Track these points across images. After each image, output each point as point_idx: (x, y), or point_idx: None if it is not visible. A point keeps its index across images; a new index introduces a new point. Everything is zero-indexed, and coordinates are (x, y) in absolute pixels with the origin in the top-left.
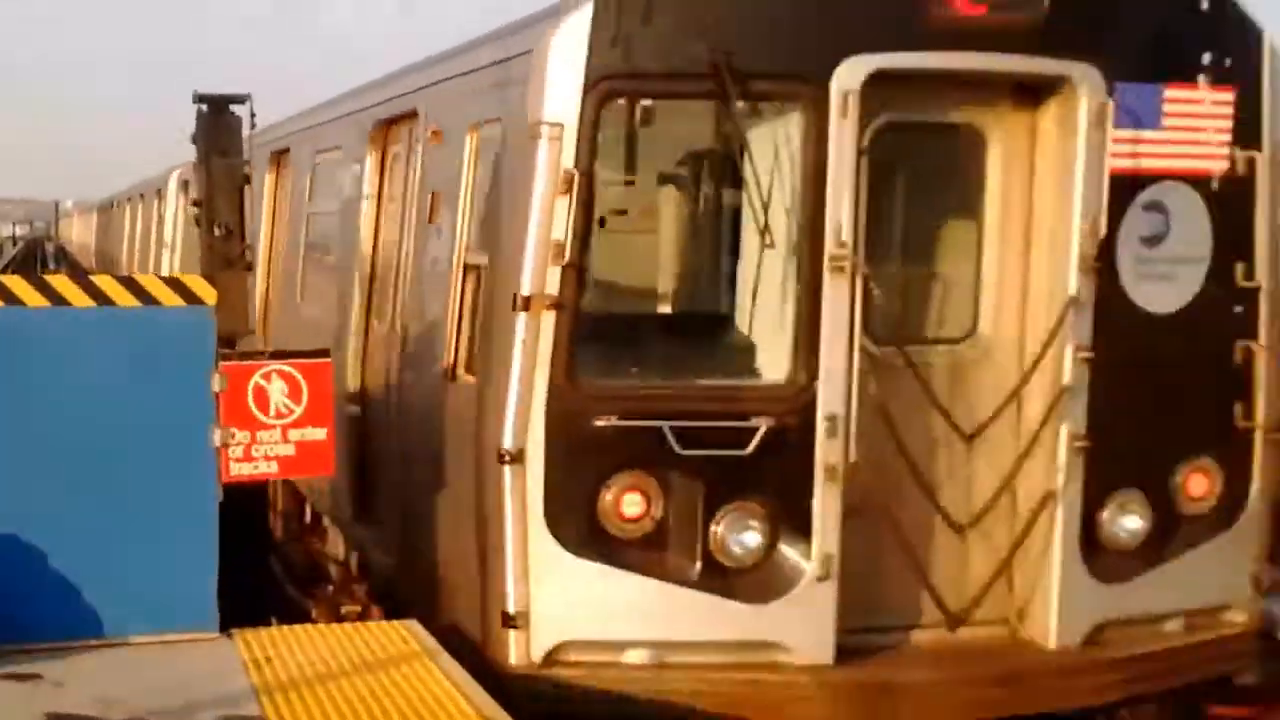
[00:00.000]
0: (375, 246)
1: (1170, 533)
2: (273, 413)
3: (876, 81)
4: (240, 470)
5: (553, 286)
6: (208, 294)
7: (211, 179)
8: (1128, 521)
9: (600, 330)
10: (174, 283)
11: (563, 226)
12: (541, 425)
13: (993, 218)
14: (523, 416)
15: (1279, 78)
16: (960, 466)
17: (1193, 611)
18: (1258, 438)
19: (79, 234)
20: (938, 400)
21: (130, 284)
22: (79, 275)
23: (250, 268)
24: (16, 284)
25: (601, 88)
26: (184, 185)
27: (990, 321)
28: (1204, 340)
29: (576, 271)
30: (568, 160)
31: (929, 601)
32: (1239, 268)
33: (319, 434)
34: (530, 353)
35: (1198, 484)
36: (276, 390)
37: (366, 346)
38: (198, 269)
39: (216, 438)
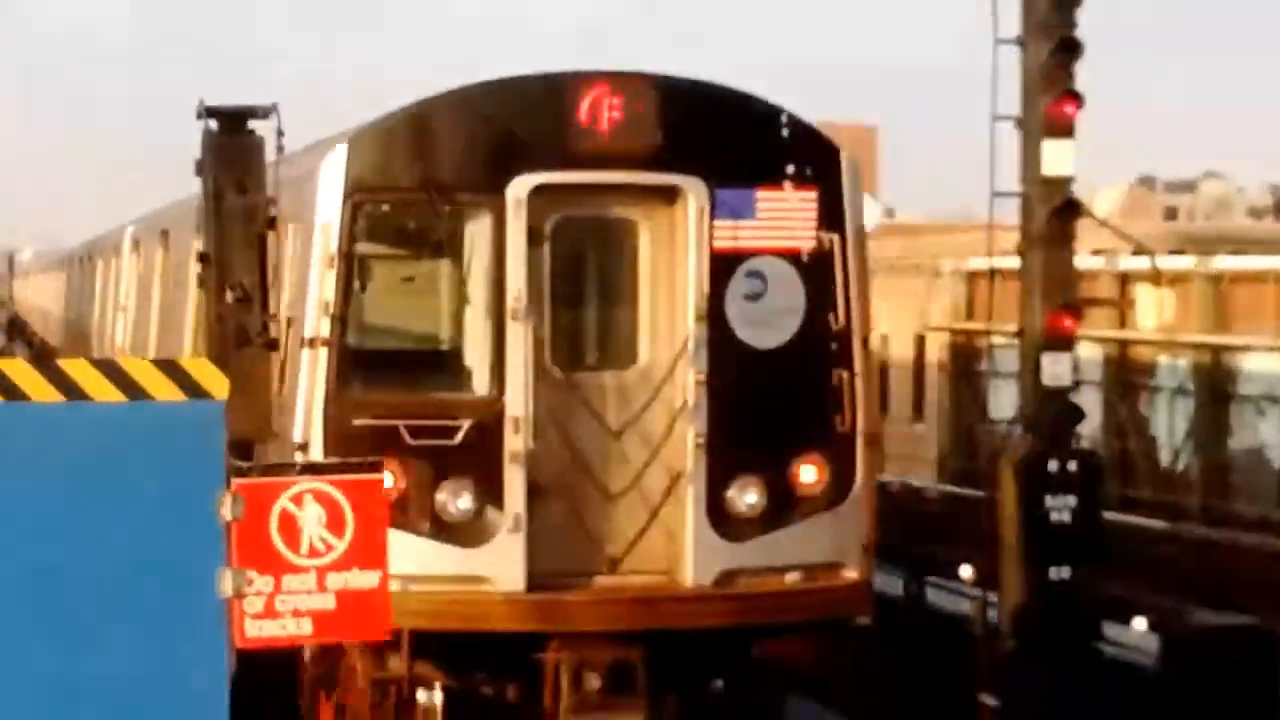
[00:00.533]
0: None
1: (786, 508)
2: (305, 550)
3: (547, 190)
4: (260, 631)
5: (325, 331)
6: (216, 383)
7: (222, 224)
8: (747, 498)
9: (358, 360)
10: (170, 368)
11: (331, 290)
12: (320, 424)
13: (644, 281)
14: (307, 418)
15: (855, 181)
16: (615, 456)
17: (811, 566)
18: (858, 441)
19: (40, 296)
20: (594, 408)
21: (110, 370)
22: (40, 358)
23: (274, 345)
24: None
25: (355, 198)
26: (136, 245)
27: (646, 354)
28: (806, 368)
29: (340, 321)
30: (332, 246)
31: (595, 551)
32: (830, 316)
33: (369, 580)
34: (311, 375)
35: (808, 473)
36: (311, 518)
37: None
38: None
39: (227, 585)
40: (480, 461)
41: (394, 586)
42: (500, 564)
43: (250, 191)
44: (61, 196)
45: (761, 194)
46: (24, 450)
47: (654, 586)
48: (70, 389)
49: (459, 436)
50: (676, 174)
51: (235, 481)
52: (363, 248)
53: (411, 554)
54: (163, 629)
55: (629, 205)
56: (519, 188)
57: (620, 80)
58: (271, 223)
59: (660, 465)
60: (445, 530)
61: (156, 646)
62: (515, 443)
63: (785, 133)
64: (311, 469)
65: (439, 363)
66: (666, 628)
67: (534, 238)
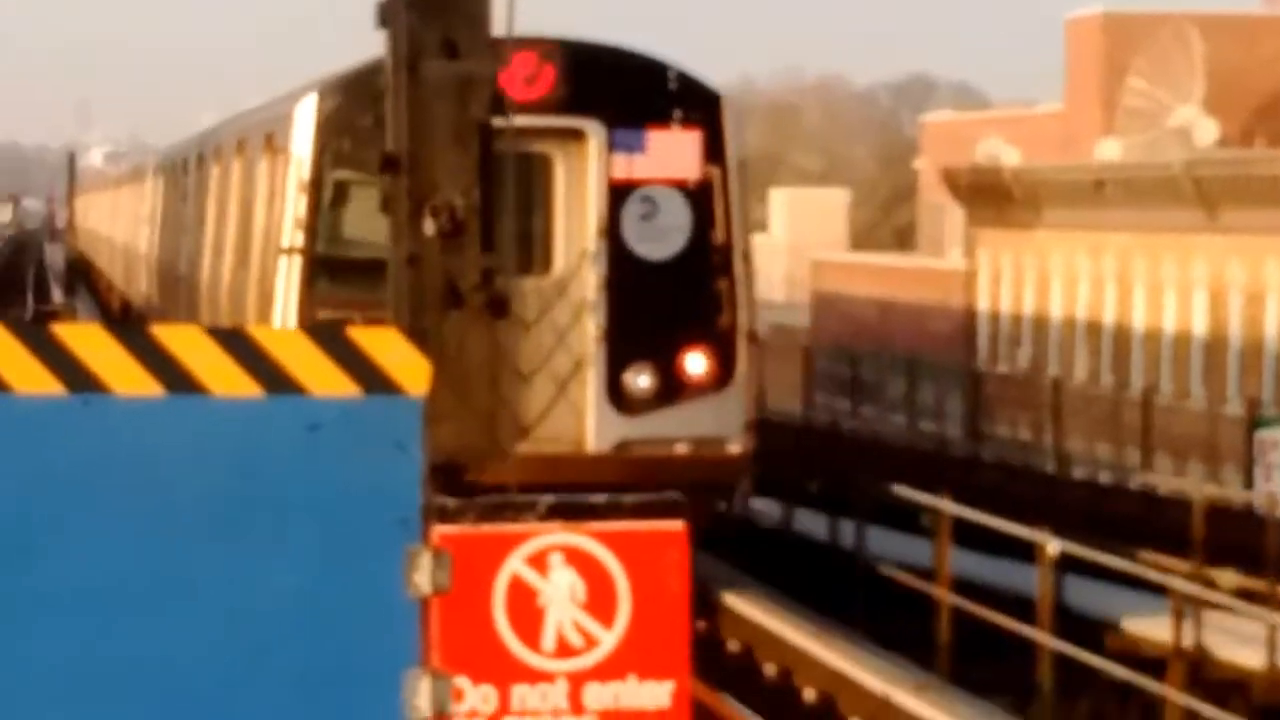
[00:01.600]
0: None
1: (675, 390)
2: (551, 644)
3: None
4: None
5: (298, 241)
6: (410, 368)
7: (418, 108)
8: (640, 381)
9: (323, 265)
10: (334, 341)
11: (303, 210)
12: (295, 313)
13: (559, 204)
14: (285, 309)
15: (737, 123)
16: (530, 344)
17: (697, 440)
18: (738, 337)
19: (113, 223)
20: (514, 306)
21: (236, 345)
22: (117, 322)
23: (500, 308)
24: None
25: (323, 137)
26: (162, 171)
27: (560, 263)
28: (692, 275)
29: (309, 233)
30: (305, 175)
31: (512, 421)
32: (712, 234)
33: (656, 697)
34: (287, 276)
35: (694, 361)
36: (561, 592)
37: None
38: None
39: (423, 700)
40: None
41: None
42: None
43: (465, 55)
44: (151, 72)
45: (652, 134)
46: (95, 480)
47: (560, 452)
48: (173, 375)
49: None
50: (580, 118)
51: (439, 530)
52: (330, 175)
53: None
54: None
55: (545, 143)
56: None
57: (536, 43)
58: (497, 103)
59: (566, 352)
60: None
61: None
62: None
63: (673, 84)
64: (563, 510)
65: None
66: (570, 483)
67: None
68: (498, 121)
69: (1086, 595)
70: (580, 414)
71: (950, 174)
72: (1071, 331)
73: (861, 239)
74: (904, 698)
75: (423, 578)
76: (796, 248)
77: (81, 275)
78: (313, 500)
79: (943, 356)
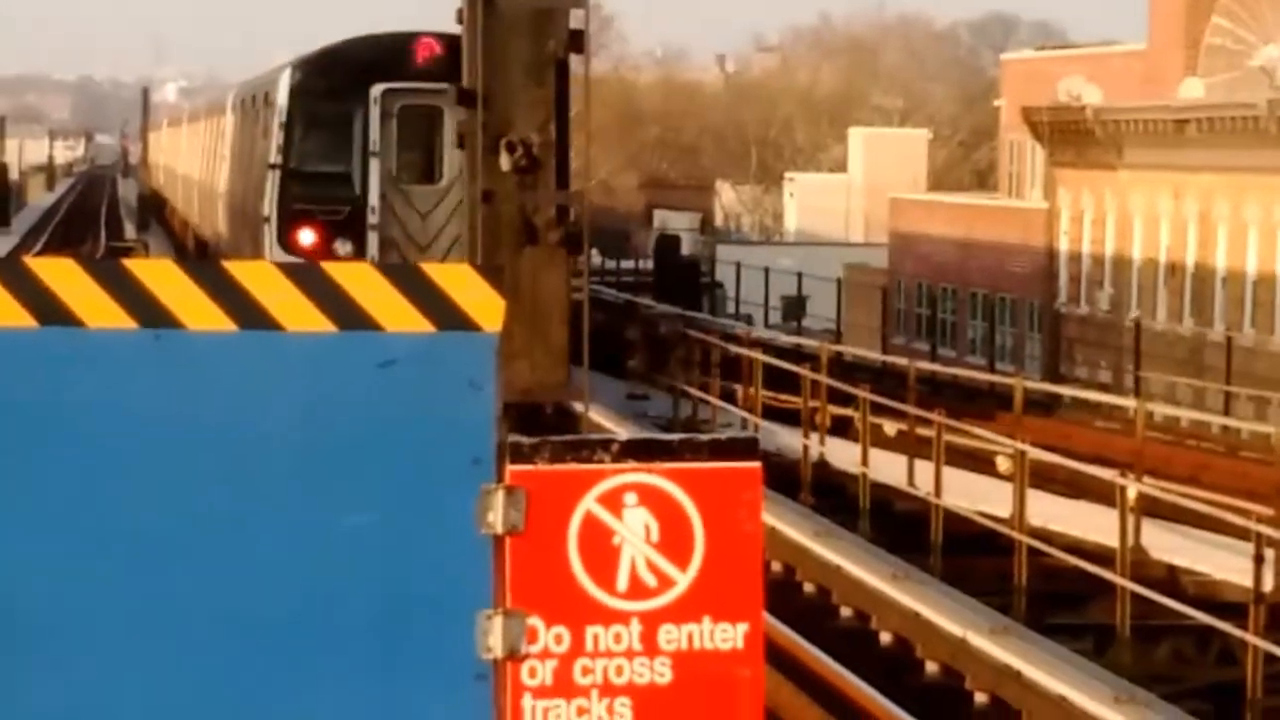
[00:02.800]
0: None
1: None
2: (625, 584)
3: (390, 92)
4: (547, 719)
5: (278, 160)
6: (484, 305)
7: (494, 42)
8: (305, 236)
9: (292, 175)
10: (408, 278)
11: (281, 141)
12: (275, 209)
13: (445, 136)
14: (271, 203)
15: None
16: (427, 226)
17: None
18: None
19: (186, 159)
20: (415, 203)
21: (308, 280)
22: (190, 258)
23: (575, 244)
24: (59, 272)
25: (295, 95)
26: (241, 106)
27: (445, 174)
28: (251, 189)
29: (285, 157)
30: (283, 119)
31: None
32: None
33: (729, 638)
34: (273, 187)
35: (304, 236)
36: (636, 531)
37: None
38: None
39: (496, 639)
40: (356, 228)
41: None
42: None
43: None
44: (226, 7)
45: None
46: (166, 415)
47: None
48: (246, 310)
49: (344, 215)
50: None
51: (512, 469)
52: (297, 120)
53: None
54: (388, 706)
55: (433, 98)
56: (376, 90)
57: (428, 34)
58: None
59: (450, 230)
60: (335, 259)
61: None
62: (372, 219)
63: None
64: (637, 449)
65: (340, 181)
66: None
67: (385, 116)
68: (404, 86)
69: (1166, 540)
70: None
71: (1031, 113)
72: (1153, 273)
73: (941, 179)
74: (981, 641)
75: (496, 517)
76: (875, 188)
77: (154, 211)
78: (385, 438)
79: (1022, 297)
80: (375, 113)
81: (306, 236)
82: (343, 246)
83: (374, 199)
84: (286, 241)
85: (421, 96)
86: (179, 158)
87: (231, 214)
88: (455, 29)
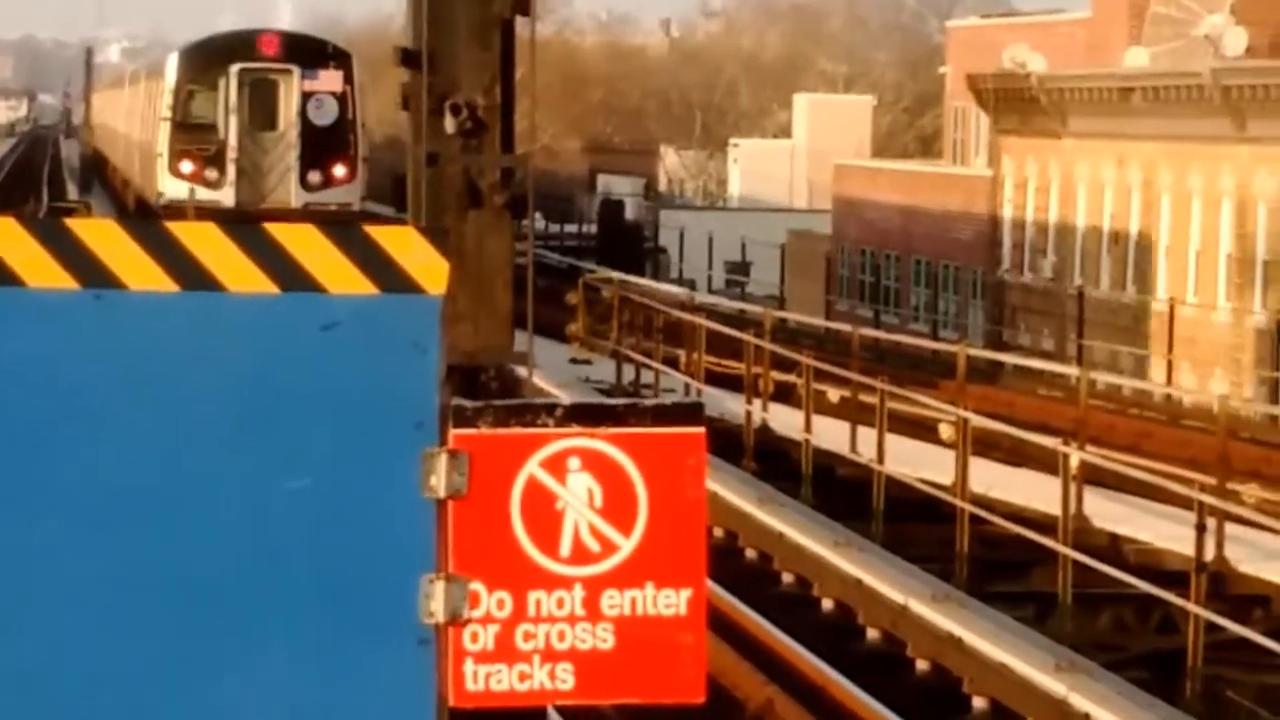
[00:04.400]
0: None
1: (329, 181)
2: (568, 549)
3: (244, 70)
4: (489, 683)
5: (167, 115)
6: (429, 268)
7: (444, 8)
8: (313, 177)
9: (178, 126)
10: (351, 239)
11: (170, 101)
12: (167, 147)
13: (282, 101)
14: (162, 146)
15: (355, 67)
16: (269, 157)
17: (340, 204)
18: (358, 159)
19: (128, 120)
20: (261, 142)
21: (252, 240)
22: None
23: (519, 209)
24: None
25: (180, 72)
26: (145, 77)
27: (281, 123)
28: (337, 132)
29: (172, 112)
30: (170, 87)
31: (260, 191)
32: (347, 114)
33: (672, 603)
34: (165, 133)
35: (338, 169)
36: (578, 496)
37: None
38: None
39: (438, 604)
40: (220, 161)
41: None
42: (229, 195)
43: None
44: None
45: (320, 71)
46: (107, 375)
47: (278, 205)
48: (188, 270)
49: (213, 150)
50: (291, 64)
51: (455, 432)
52: (181, 89)
53: (184, 191)
54: (329, 671)
55: (277, 75)
56: (235, 70)
57: (269, 31)
58: (522, 1)
59: (283, 163)
60: (207, 184)
61: (317, 697)
62: (231, 155)
63: (329, 49)
64: (581, 413)
65: (210, 130)
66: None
67: (240, 87)
68: (252, 66)
69: (1107, 509)
70: (289, 189)
71: (975, 80)
72: (1096, 241)
73: (885, 145)
74: (922, 608)
75: (439, 481)
76: (819, 153)
77: (97, 171)
78: (327, 400)
79: (966, 264)
80: (234, 83)
81: (186, 166)
82: (210, 173)
83: (233, 140)
84: (173, 170)
85: (264, 73)
86: (120, 118)
87: (140, 155)
88: (291, 27)
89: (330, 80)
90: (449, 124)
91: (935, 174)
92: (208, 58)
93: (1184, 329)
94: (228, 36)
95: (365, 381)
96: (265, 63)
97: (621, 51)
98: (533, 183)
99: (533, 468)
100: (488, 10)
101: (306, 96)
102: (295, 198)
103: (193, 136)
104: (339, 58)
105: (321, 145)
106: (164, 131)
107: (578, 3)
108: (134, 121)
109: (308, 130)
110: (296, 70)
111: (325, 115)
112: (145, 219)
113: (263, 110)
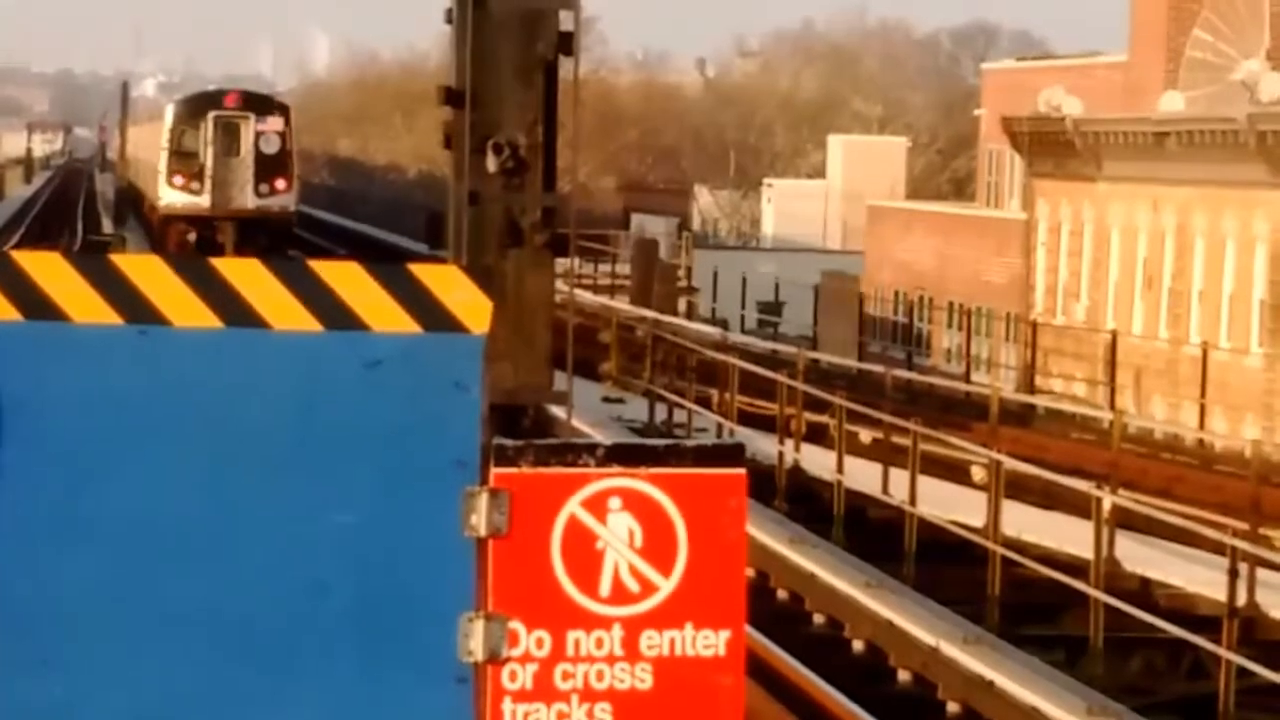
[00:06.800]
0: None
1: (273, 191)
2: (607, 589)
3: (217, 117)
4: None
5: (166, 147)
6: (471, 306)
7: (483, 41)
8: (263, 188)
9: (175, 156)
10: (395, 278)
11: (168, 138)
12: (166, 174)
13: (245, 139)
14: (161, 174)
15: (290, 114)
16: (233, 175)
17: (280, 206)
18: (293, 177)
19: (152, 152)
20: (232, 167)
21: (295, 276)
22: (174, 253)
23: (561, 246)
24: (44, 266)
25: (175, 115)
26: (150, 120)
27: (243, 152)
28: (279, 158)
29: (170, 145)
30: (169, 128)
31: (230, 199)
32: (282, 145)
33: (711, 644)
34: (164, 158)
35: (279, 182)
36: (619, 536)
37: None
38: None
39: (477, 642)
40: (201, 177)
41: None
42: (206, 200)
43: None
44: (206, 3)
45: (267, 117)
46: (150, 411)
47: (236, 210)
48: (232, 307)
49: (196, 169)
50: (248, 112)
51: (496, 471)
52: (176, 129)
53: (177, 197)
54: (368, 707)
55: (239, 120)
56: (211, 115)
57: (237, 90)
58: (565, 42)
59: (243, 176)
60: (191, 192)
61: None
62: (208, 172)
63: (275, 100)
64: (622, 453)
65: (194, 156)
66: (241, 219)
67: (215, 127)
68: (223, 113)
69: (1139, 552)
70: (246, 195)
71: (1010, 123)
72: (1129, 285)
73: (919, 187)
74: (953, 651)
75: (480, 519)
76: (853, 195)
77: (132, 205)
78: (370, 438)
79: (999, 307)
80: (210, 125)
81: (178, 180)
82: (194, 185)
83: (209, 163)
84: (169, 183)
85: (231, 118)
86: (149, 151)
87: (149, 174)
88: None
89: (275, 123)
90: (491, 163)
91: (969, 216)
92: (193, 108)
93: (1217, 374)
94: (207, 94)
95: (407, 420)
96: (231, 111)
97: (657, 91)
98: (574, 223)
99: (573, 507)
100: (531, 51)
101: (258, 134)
102: (250, 201)
103: (183, 160)
104: (281, 108)
105: (268, 166)
106: (164, 158)
107: (614, 42)
108: (152, 152)
109: (259, 156)
110: (252, 116)
111: (271, 146)
112: (163, 226)
113: (229, 142)
